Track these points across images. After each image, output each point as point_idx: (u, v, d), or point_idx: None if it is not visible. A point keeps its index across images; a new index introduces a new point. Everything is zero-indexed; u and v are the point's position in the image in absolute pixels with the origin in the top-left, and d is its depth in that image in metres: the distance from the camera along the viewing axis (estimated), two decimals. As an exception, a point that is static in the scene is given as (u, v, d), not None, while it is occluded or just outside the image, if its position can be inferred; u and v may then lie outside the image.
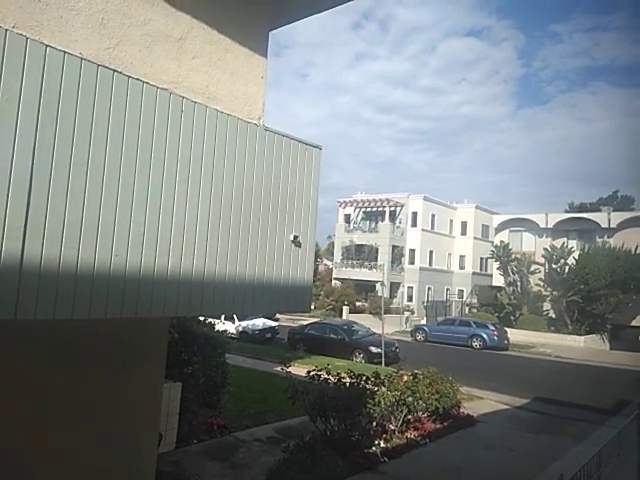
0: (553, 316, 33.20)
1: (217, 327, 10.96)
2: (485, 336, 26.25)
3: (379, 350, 18.61)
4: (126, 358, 4.75)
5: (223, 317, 20.74)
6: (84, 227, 2.97)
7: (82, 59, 3.02)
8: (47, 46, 2.86)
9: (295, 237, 4.39)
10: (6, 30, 2.71)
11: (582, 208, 53.25)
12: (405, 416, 9.55)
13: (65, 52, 2.94)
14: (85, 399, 4.46)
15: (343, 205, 47.75)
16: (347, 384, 8.76)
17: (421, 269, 44.20)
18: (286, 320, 30.83)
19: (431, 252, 45.65)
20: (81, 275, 2.95)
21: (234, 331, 22.29)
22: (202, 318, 9.92)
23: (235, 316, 22.66)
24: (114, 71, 3.18)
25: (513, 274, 35.78)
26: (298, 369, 11.71)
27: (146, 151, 3.31)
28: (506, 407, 13.49)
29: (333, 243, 51.54)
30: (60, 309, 2.87)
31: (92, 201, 3.01)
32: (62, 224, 2.87)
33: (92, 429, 4.52)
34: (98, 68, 3.08)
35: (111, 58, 3.46)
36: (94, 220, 3.02)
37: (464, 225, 48.70)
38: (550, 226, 36.50)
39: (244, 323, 23.09)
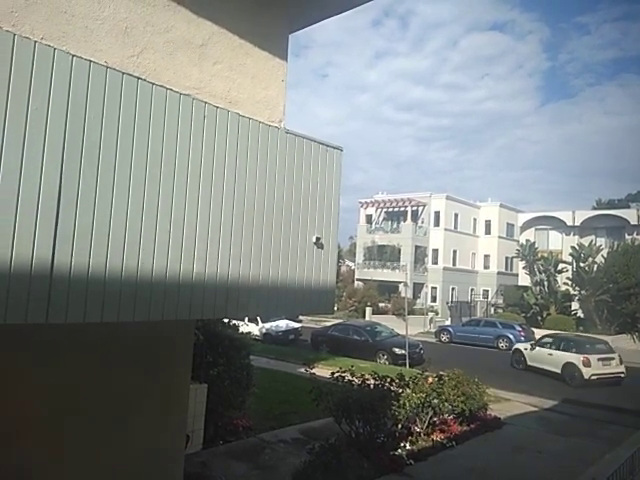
0: (581, 316, 32.39)
1: (241, 329, 11.07)
2: (511, 337, 25.77)
3: (403, 351, 18.47)
4: (153, 360, 4.82)
5: (247, 319, 20.89)
6: (112, 232, 3.03)
7: (107, 68, 3.09)
8: (74, 56, 2.93)
9: (317, 239, 4.40)
10: (35, 42, 2.79)
11: (610, 205, 51.94)
12: (431, 418, 9.45)
13: (91, 61, 3.01)
14: (113, 400, 4.55)
15: (364, 205, 47.61)
16: (371, 386, 8.72)
17: (445, 269, 43.72)
18: (309, 321, 30.87)
19: (455, 252, 45.11)
20: (110, 280, 3.01)
21: (258, 333, 22.42)
22: (226, 320, 10.01)
23: (259, 318, 22.79)
24: (138, 79, 3.24)
25: (540, 273, 35.01)
26: (322, 370, 11.72)
27: (170, 157, 3.36)
28: (534, 409, 13.23)
29: (355, 244, 51.41)
30: (90, 313, 2.94)
31: (119, 207, 3.07)
32: (90, 230, 2.94)
33: (120, 430, 4.61)
34: (123, 76, 3.15)
35: (135, 66, 3.53)
36: (121, 225, 3.08)
37: (488, 224, 47.97)
38: (577, 224, 35.71)
39: (267, 325, 23.21)
